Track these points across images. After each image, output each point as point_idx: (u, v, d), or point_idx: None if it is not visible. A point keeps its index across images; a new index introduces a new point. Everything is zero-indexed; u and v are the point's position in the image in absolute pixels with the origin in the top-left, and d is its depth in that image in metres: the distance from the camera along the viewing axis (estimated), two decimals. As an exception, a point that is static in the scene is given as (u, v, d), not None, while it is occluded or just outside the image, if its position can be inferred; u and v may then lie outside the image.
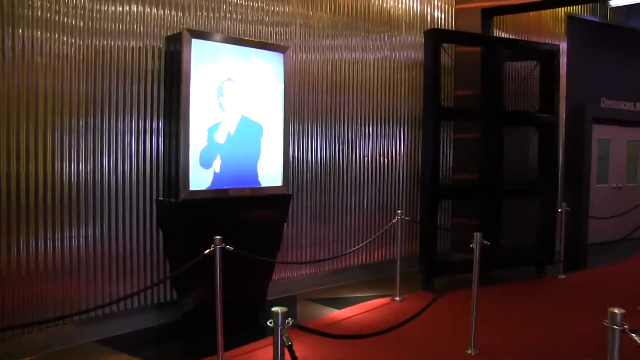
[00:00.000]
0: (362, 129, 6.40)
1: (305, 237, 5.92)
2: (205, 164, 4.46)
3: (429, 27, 6.89)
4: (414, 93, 6.89)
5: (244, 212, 4.74)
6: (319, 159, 5.95)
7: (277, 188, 4.98)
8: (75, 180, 4.18)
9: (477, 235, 4.35)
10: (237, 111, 4.66)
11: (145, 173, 4.56)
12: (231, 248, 3.88)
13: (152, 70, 4.55)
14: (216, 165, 4.52)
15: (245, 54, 4.69)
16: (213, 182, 4.51)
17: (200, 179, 4.42)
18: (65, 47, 4.09)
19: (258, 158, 4.83)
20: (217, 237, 3.82)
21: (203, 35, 4.46)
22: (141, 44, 4.49)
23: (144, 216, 4.58)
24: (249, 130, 4.76)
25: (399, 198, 6.85)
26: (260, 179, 4.85)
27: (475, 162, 6.77)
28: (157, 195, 4.64)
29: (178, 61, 4.32)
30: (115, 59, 4.35)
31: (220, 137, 4.54)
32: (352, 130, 6.30)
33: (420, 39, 6.77)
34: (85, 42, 4.20)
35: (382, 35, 6.52)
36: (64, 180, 4.12)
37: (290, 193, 5.17)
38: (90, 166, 4.26)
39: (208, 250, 3.78)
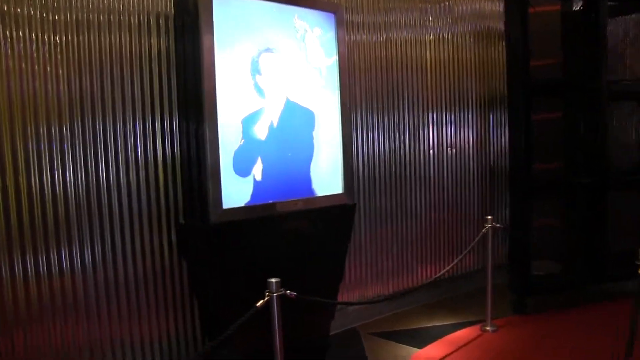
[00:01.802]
0: (425, 116, 5.11)
1: (364, 249, 4.64)
2: (242, 169, 3.17)
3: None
4: (482, 72, 5.59)
5: (295, 232, 3.45)
6: (376, 153, 4.67)
7: (337, 197, 3.67)
8: (56, 195, 2.94)
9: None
10: (281, 94, 3.36)
11: (157, 187, 3.29)
12: (293, 294, 2.63)
13: (156, 53, 3.29)
14: (256, 171, 3.23)
15: (285, 15, 3.39)
16: (254, 195, 3.22)
17: (236, 192, 3.13)
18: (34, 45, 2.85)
19: (311, 158, 3.53)
20: (273, 280, 2.57)
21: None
22: (135, 20, 3.22)
23: (158, 243, 3.31)
24: (298, 119, 3.46)
25: (470, 195, 5.56)
26: (314, 186, 3.55)
27: (562, 147, 5.43)
28: (177, 216, 3.37)
29: (194, 31, 3.03)
30: (102, 46, 3.11)
31: (260, 132, 3.24)
32: (414, 118, 5.01)
33: (487, 5, 5.49)
34: (61, 32, 2.93)
35: (442, 4, 5.21)
36: (43, 195, 2.89)
37: (354, 202, 3.86)
38: (78, 178, 3.00)
39: (261, 302, 2.53)
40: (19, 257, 2.82)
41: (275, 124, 3.31)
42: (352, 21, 4.44)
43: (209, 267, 3.19)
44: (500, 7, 5.46)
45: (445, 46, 5.28)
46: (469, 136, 5.51)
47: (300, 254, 3.46)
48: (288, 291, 2.68)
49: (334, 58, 3.66)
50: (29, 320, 2.85)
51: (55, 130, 2.94)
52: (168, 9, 3.31)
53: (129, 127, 3.20)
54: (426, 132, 5.12)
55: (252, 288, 2.69)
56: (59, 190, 2.95)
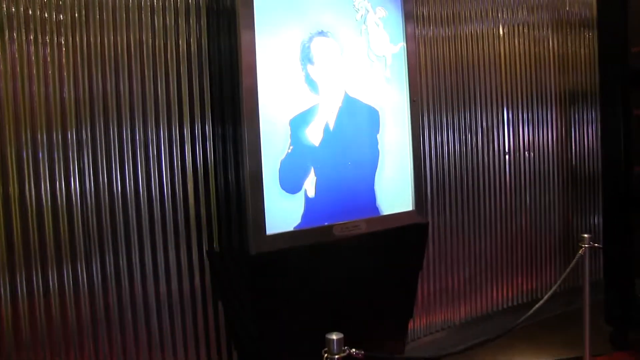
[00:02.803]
0: (499, 116, 4.35)
1: (432, 270, 3.90)
2: (291, 184, 2.49)
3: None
4: (563, 65, 4.79)
5: (356, 260, 2.76)
6: (445, 158, 3.94)
7: (407, 215, 2.95)
8: (57, 207, 2.33)
9: None
10: (338, 88, 2.68)
11: (186, 204, 2.65)
12: (360, 353, 1.95)
13: (185, 48, 2.65)
14: (309, 186, 2.56)
15: (342, -9, 2.72)
16: (305, 216, 2.54)
17: (283, 213, 2.46)
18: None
19: (376, 167, 2.83)
20: (334, 336, 1.89)
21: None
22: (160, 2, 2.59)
23: (187, 269, 2.67)
24: (359, 119, 2.77)
25: (551, 204, 4.75)
26: (379, 202, 2.85)
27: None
28: (209, 242, 2.72)
29: (230, 17, 2.40)
30: (117, 44, 2.49)
31: (312, 135, 2.57)
32: (487, 118, 4.25)
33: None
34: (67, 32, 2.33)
35: None
36: (40, 206, 2.29)
37: (427, 220, 3.14)
38: (87, 189, 2.40)
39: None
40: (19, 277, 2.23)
41: (331, 126, 2.63)
42: (417, 14, 3.73)
43: (248, 306, 2.53)
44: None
45: (521, 39, 4.50)
46: (548, 137, 4.72)
47: (361, 287, 2.77)
48: (354, 350, 1.99)
49: (401, 44, 2.96)
50: (18, 348, 2.25)
51: (58, 137, 2.34)
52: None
53: (152, 133, 2.57)
54: (501, 133, 4.36)
55: (303, 335, 2.03)
56: (62, 201, 2.35)
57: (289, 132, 2.48)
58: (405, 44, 2.95)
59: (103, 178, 2.46)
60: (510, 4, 4.42)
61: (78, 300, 2.39)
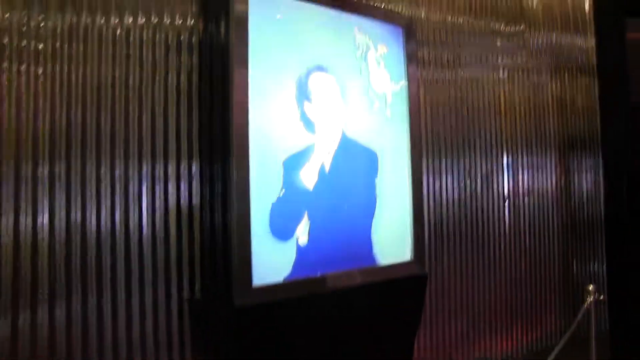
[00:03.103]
0: (499, 161, 4.20)
1: (428, 324, 3.67)
2: (282, 230, 2.29)
3: (573, 17, 4.75)
4: (562, 110, 4.68)
5: (350, 313, 2.53)
6: (444, 204, 3.75)
7: (406, 266, 2.75)
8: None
9: None
10: (336, 127, 2.51)
11: (167, 246, 2.43)
12: None
13: (174, 82, 2.46)
14: (301, 232, 2.35)
15: (342, 27, 2.58)
16: (297, 265, 2.33)
17: (273, 261, 2.25)
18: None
19: (373, 214, 2.64)
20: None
21: (269, -14, 2.35)
22: (148, 32, 2.42)
23: (155, 321, 2.43)
24: (357, 162, 2.59)
25: (551, 250, 4.56)
26: (376, 251, 2.65)
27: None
28: (191, 288, 2.49)
29: (223, 54, 2.23)
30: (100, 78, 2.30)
31: (307, 178, 2.38)
32: (487, 163, 4.10)
33: (564, 38, 4.64)
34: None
35: (516, 38, 4.37)
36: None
37: (426, 272, 2.94)
38: (58, 226, 2.17)
39: None
40: None
41: (327, 168, 2.45)
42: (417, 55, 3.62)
43: (232, 361, 2.30)
44: (580, 40, 4.64)
45: (520, 84, 4.40)
46: (548, 182, 4.56)
47: (355, 342, 2.54)
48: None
49: (402, 83, 2.81)
50: None
51: (27, 170, 2.13)
52: (189, 20, 2.50)
53: (133, 169, 2.36)
54: (500, 179, 4.20)
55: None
56: (26, 238, 2.12)
57: (282, 174, 2.29)
58: (406, 83, 2.80)
59: (76, 214, 2.25)
60: (511, 49, 4.33)
61: (34, 349, 2.14)
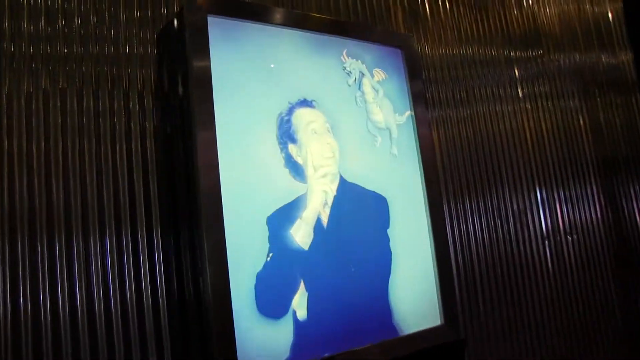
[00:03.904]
0: (532, 196, 3.69)
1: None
2: (273, 306, 1.80)
3: (596, 30, 4.31)
4: (597, 135, 4.21)
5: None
6: (473, 250, 3.23)
7: (436, 332, 2.22)
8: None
9: None
10: (331, 171, 2.05)
11: (124, 337, 1.94)
12: None
13: (122, 127, 2.04)
14: (298, 305, 1.86)
15: (327, 51, 2.17)
16: (296, 346, 1.82)
17: (264, 346, 1.75)
18: None
19: (389, 273, 2.14)
20: None
21: (237, 10, 1.95)
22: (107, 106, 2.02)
23: None
24: (362, 211, 2.11)
25: (608, 293, 3.97)
26: (397, 318, 2.13)
27: None
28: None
29: (183, 111, 1.82)
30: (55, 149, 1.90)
31: (300, 236, 1.91)
32: (518, 200, 3.59)
33: (590, 54, 4.21)
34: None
35: (535, 63, 3.96)
36: None
37: (462, 336, 2.40)
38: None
39: None
40: None
41: (324, 222, 1.98)
42: (427, 96, 3.20)
43: None
44: (609, 55, 4.21)
45: (547, 111, 3.95)
46: (592, 215, 4.02)
47: None
48: None
49: (408, 113, 2.37)
50: None
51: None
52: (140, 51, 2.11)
53: (93, 243, 1.92)
54: (536, 216, 3.67)
55: None
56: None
57: (267, 234, 1.83)
58: (412, 112, 2.36)
59: (25, 294, 1.80)
60: (529, 77, 3.90)
61: None
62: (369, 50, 2.29)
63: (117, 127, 1.96)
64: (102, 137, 1.94)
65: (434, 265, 2.27)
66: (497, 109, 3.62)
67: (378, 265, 2.11)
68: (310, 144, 1.98)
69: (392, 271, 2.13)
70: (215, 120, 1.78)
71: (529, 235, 3.60)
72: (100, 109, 1.94)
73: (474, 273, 3.21)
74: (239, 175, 1.82)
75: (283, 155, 1.94)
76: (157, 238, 1.95)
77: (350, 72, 2.20)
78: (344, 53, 2.20)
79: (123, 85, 1.99)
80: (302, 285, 1.87)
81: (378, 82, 2.28)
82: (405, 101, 2.36)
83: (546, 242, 3.68)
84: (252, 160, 1.87)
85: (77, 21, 1.96)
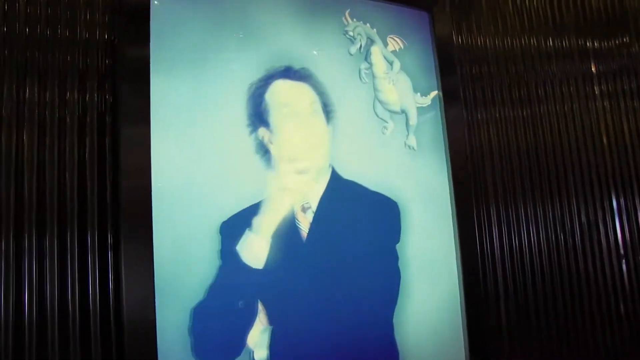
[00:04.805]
0: (605, 205, 3.03)
1: None
2: (217, 347, 1.33)
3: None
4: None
5: None
6: (526, 265, 2.62)
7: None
8: None
9: None
10: (317, 164, 1.55)
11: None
12: None
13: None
14: (257, 344, 1.37)
15: (324, 7, 1.67)
16: (252, 404, 1.35)
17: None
18: None
19: (396, 299, 1.61)
20: None
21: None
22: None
23: None
24: (361, 219, 1.60)
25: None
26: (404, 357, 1.60)
27: None
28: None
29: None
30: None
31: (263, 251, 1.42)
32: (586, 210, 2.95)
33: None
34: None
35: (614, 54, 3.29)
36: None
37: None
38: None
39: None
40: None
41: (304, 232, 1.48)
42: (476, 96, 2.63)
43: None
44: None
45: (630, 111, 3.27)
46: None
47: None
48: None
49: (434, 94, 1.83)
50: None
51: None
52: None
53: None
54: (610, 229, 3.01)
55: None
56: None
57: (219, 248, 1.35)
58: (440, 92, 1.82)
59: None
60: (610, 71, 3.23)
61: None
62: (383, 12, 1.78)
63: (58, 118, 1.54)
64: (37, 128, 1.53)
65: (460, 293, 1.72)
66: (565, 108, 2.98)
67: (380, 291, 1.59)
68: (284, 129, 1.48)
69: (399, 299, 1.60)
70: (150, 105, 1.34)
71: (601, 253, 2.94)
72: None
73: (526, 293, 2.60)
74: (192, 168, 1.37)
75: (252, 139, 1.46)
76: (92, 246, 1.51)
77: (354, 37, 1.69)
78: (347, 14, 1.70)
79: (62, 72, 1.58)
80: (262, 316, 1.38)
81: (393, 52, 1.76)
82: (430, 78, 1.83)
83: (623, 261, 3.02)
84: (213, 148, 1.41)
85: None
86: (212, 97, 1.44)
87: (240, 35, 1.52)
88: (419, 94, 1.80)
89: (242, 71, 1.49)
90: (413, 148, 1.74)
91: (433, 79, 1.84)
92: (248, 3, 1.55)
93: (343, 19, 1.69)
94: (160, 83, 1.37)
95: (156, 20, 1.40)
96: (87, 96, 1.46)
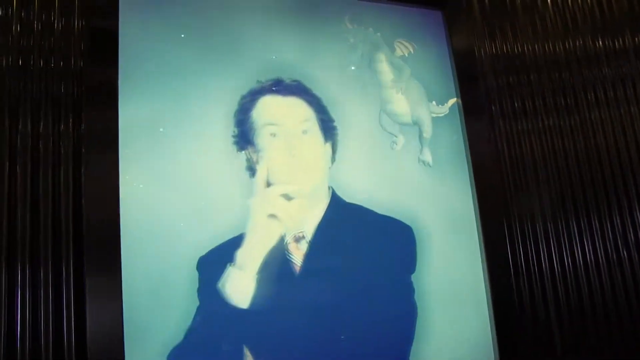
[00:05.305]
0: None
1: None
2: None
3: None
4: None
5: None
6: (583, 287, 2.32)
7: None
8: None
9: None
10: (312, 185, 1.38)
11: None
12: None
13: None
14: (244, 398, 1.21)
15: (323, 10, 1.52)
16: None
17: None
18: None
19: (412, 339, 1.40)
20: None
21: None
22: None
23: None
24: (368, 246, 1.41)
25: None
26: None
27: None
28: None
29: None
30: None
31: (248, 290, 1.26)
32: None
33: None
34: None
35: None
36: None
37: None
38: None
39: None
40: None
41: (297, 265, 1.31)
42: (515, 106, 2.39)
43: None
44: None
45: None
46: None
47: None
48: None
49: (452, 101, 1.62)
50: None
51: None
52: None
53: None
54: (681, 243, 2.66)
55: None
56: None
57: (197, 285, 1.20)
58: (459, 100, 1.61)
59: None
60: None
61: None
62: (389, 14, 1.60)
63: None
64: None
65: (491, 329, 1.49)
66: (621, 111, 2.67)
67: (392, 330, 1.38)
68: (271, 149, 1.32)
69: (416, 338, 1.39)
70: (118, 132, 1.22)
71: (672, 271, 2.60)
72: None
73: (583, 317, 2.30)
74: (166, 197, 1.23)
75: (236, 162, 1.31)
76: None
77: (355, 45, 1.52)
78: (346, 20, 1.53)
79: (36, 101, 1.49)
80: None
81: (401, 57, 1.57)
82: (447, 84, 1.62)
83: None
84: (196, 171, 1.27)
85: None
86: (190, 119, 1.31)
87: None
88: (434, 102, 1.60)
89: (225, 89, 1.35)
90: (428, 164, 1.53)
91: (451, 84, 1.63)
92: (232, 10, 1.41)
93: (343, 24, 1.53)
94: (130, 110, 1.25)
95: (125, 42, 1.28)
96: (62, 126, 1.35)
